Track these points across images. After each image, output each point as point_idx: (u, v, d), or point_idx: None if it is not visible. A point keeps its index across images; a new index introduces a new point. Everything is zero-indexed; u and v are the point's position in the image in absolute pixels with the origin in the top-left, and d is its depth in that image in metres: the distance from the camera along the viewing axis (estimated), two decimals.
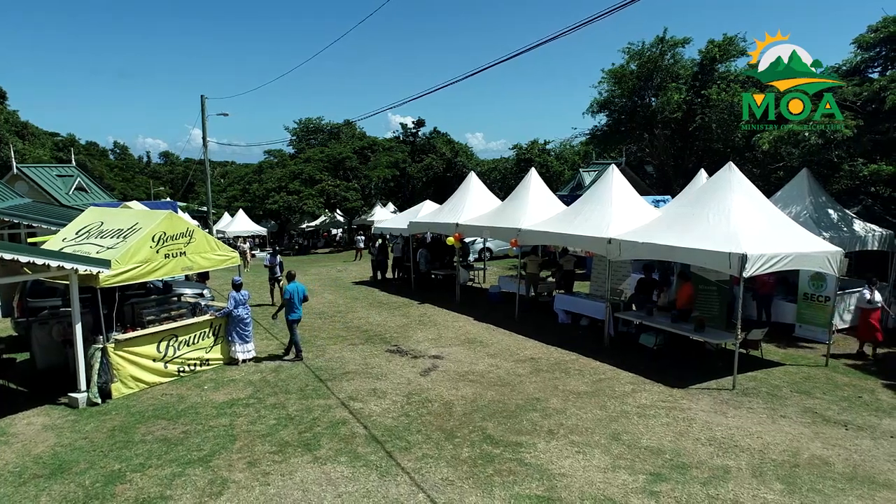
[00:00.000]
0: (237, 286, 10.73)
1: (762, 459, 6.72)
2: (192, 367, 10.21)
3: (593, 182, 24.43)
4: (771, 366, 10.23)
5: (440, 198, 22.34)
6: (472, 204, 16.61)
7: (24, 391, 9.52)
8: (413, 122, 49.82)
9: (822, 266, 9.58)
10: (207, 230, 21.59)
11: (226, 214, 41.63)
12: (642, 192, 14.95)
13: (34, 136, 47.75)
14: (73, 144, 52.81)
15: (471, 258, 22.95)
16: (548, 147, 38.68)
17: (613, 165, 13.22)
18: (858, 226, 12.57)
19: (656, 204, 15.56)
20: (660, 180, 24.46)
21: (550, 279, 16.60)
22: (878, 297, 10.54)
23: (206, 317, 10.55)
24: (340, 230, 42.00)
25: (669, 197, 17.95)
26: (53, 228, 13.95)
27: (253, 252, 31.89)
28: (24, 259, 7.57)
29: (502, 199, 17.03)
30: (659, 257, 10.73)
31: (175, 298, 12.19)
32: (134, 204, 19.83)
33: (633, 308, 12.57)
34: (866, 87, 13.10)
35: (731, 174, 10.37)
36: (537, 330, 12.90)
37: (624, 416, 8.05)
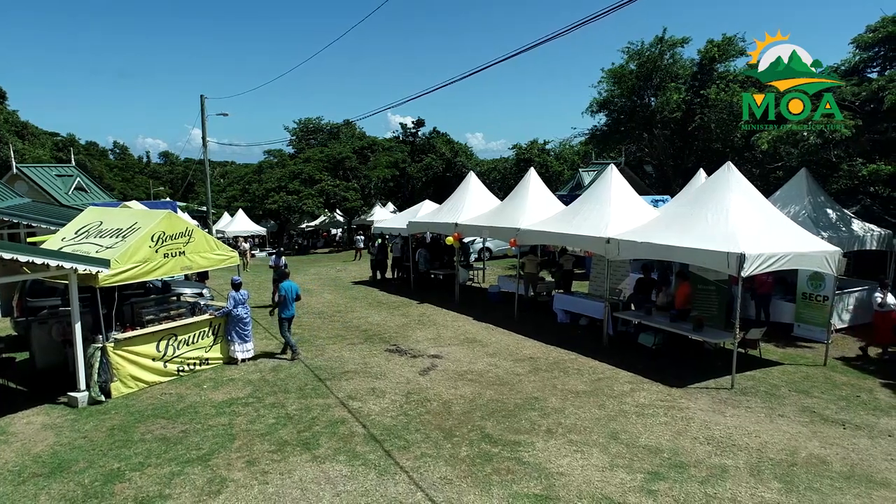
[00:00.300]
0: (236, 286, 10.75)
1: (760, 458, 6.74)
2: (192, 367, 10.22)
3: (592, 182, 24.41)
4: (769, 365, 10.24)
5: (440, 198, 22.35)
6: (472, 204, 16.62)
7: (24, 390, 9.53)
8: (413, 122, 49.94)
9: (821, 266, 9.58)
10: (207, 230, 21.59)
11: (225, 214, 41.66)
12: (641, 192, 14.96)
13: (34, 136, 47.77)
14: (72, 144, 52.83)
15: (471, 258, 22.97)
16: (547, 147, 38.73)
17: (612, 165, 13.22)
18: (857, 225, 12.59)
19: (655, 204, 15.57)
20: (659, 180, 24.48)
21: (550, 279, 16.62)
22: (890, 299, 10.41)
23: (206, 316, 10.56)
24: (340, 230, 42.01)
25: (668, 197, 17.96)
26: (53, 228, 13.95)
27: (252, 252, 31.91)
28: (23, 258, 7.58)
29: (502, 199, 17.05)
30: (658, 257, 10.74)
31: (174, 298, 12.20)
32: (133, 204, 19.83)
33: (632, 308, 12.59)
34: (865, 86, 13.12)
35: (730, 174, 10.38)
36: (536, 329, 12.91)
37: (622, 415, 8.06)
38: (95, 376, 8.73)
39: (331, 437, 7.45)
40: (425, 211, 19.50)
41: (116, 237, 9.58)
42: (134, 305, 10.58)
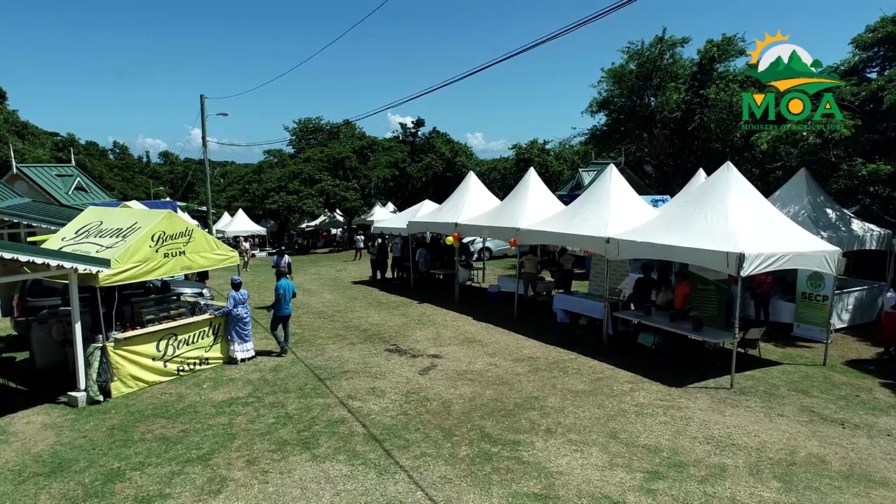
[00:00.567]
0: (236, 285, 10.77)
1: (759, 458, 6.75)
2: (192, 366, 10.23)
3: (592, 182, 24.42)
4: (769, 365, 10.25)
5: (439, 198, 22.37)
6: (472, 204, 16.63)
7: (24, 390, 9.54)
8: (412, 122, 49.97)
9: (820, 265, 9.59)
10: (207, 230, 21.61)
11: (225, 214, 41.69)
12: (641, 192, 14.97)
13: (34, 136, 47.77)
14: (72, 144, 52.79)
15: (472, 258, 22.97)
16: (547, 147, 38.76)
17: (612, 165, 13.22)
18: (856, 225, 12.60)
19: (655, 203, 15.58)
20: (658, 180, 24.46)
21: (550, 279, 16.63)
22: None
23: (206, 316, 10.57)
24: (340, 230, 42.03)
25: (668, 196, 17.96)
26: (53, 228, 13.96)
27: (253, 252, 31.91)
28: (23, 258, 7.59)
29: (502, 198, 17.06)
30: (657, 257, 10.75)
31: (174, 298, 12.21)
32: (133, 203, 19.81)
33: (632, 307, 12.59)
34: (864, 86, 13.14)
35: (730, 174, 10.39)
36: (536, 329, 12.92)
37: (622, 414, 8.07)
38: (95, 376, 8.74)
39: (331, 437, 7.46)
40: (425, 211, 19.52)
41: (116, 237, 9.59)
42: (134, 305, 10.59)
